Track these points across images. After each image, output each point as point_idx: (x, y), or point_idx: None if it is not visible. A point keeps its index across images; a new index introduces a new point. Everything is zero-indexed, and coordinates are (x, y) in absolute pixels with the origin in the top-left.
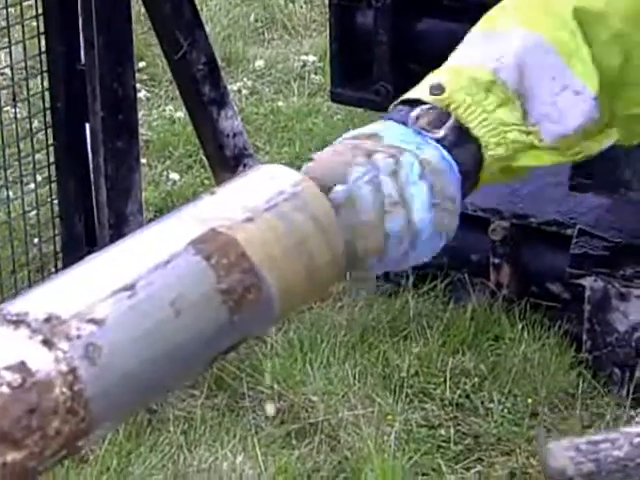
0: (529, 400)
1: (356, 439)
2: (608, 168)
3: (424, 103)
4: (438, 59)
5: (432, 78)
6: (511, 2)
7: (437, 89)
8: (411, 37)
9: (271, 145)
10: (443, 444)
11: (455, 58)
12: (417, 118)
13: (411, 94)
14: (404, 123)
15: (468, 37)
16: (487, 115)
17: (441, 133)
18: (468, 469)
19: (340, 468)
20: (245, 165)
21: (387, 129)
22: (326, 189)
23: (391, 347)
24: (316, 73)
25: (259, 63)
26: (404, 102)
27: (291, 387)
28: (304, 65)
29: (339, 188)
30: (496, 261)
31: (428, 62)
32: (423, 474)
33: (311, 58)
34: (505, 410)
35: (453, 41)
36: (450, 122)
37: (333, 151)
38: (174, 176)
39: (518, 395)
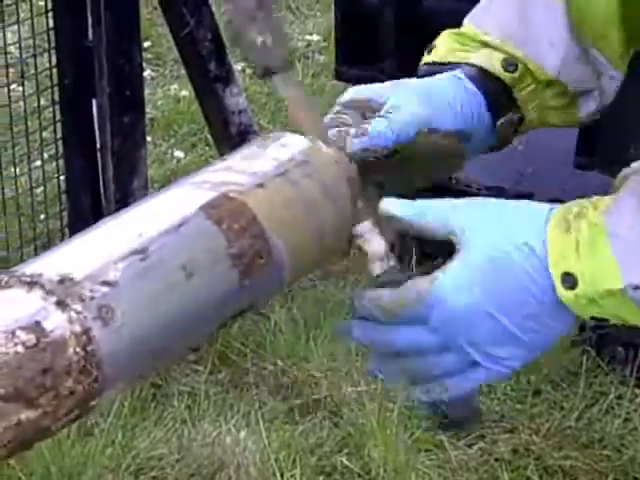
0: (532, 378)
1: (359, 415)
2: (613, 145)
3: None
4: None
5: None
6: None
7: (511, 65)
8: (417, 15)
9: (275, 124)
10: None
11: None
12: None
13: (482, 61)
14: None
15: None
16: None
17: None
18: (471, 446)
19: (343, 443)
20: None
21: None
22: None
23: None
24: (320, 53)
25: None
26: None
27: (294, 363)
28: (308, 45)
29: None
30: None
31: (433, 40)
32: (426, 450)
33: (315, 38)
34: (508, 388)
35: (458, 20)
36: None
37: None
38: (179, 154)
39: (521, 373)
